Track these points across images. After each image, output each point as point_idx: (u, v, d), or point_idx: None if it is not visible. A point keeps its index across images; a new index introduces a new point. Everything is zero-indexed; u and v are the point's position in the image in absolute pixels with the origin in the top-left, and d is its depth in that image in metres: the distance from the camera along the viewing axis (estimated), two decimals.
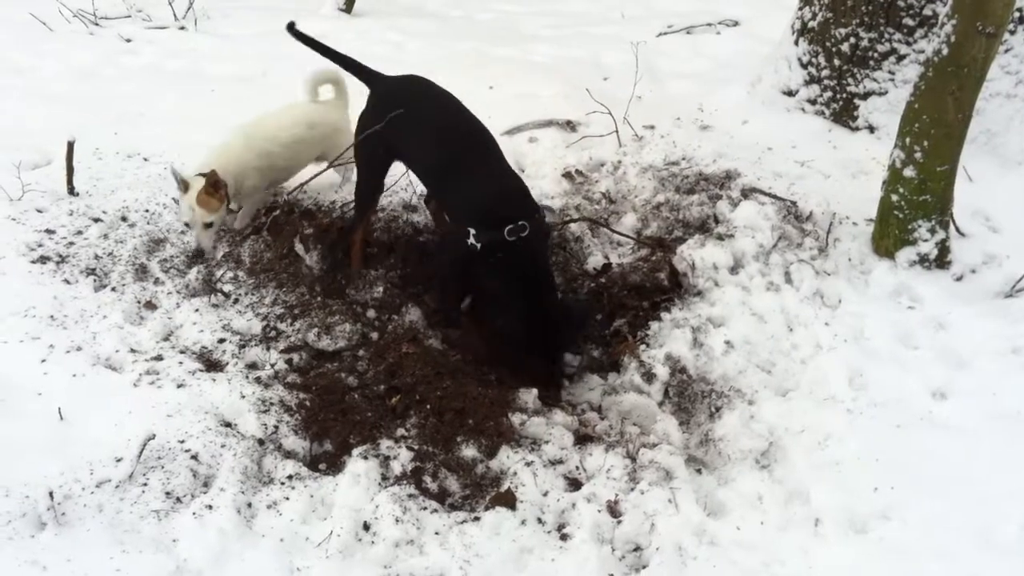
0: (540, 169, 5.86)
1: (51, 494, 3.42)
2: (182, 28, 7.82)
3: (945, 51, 4.53)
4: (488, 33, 7.93)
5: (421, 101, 4.76)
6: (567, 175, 5.83)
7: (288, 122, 5.23)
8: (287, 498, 3.72)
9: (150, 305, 4.61)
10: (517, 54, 7.64)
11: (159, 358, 4.29)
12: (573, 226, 5.38)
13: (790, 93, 6.46)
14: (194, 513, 3.54)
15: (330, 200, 5.40)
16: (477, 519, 3.71)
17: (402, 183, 5.51)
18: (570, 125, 6.39)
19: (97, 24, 7.71)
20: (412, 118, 4.64)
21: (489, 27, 8.29)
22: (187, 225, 4.95)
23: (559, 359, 4.62)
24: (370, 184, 4.94)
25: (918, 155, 4.74)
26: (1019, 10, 5.58)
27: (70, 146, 5.11)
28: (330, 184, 5.45)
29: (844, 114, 6.21)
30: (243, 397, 4.13)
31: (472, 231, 4.37)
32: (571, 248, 5.32)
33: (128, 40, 7.47)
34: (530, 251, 4.43)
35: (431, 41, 7.76)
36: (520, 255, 4.40)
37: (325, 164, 5.32)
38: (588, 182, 5.79)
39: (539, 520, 3.75)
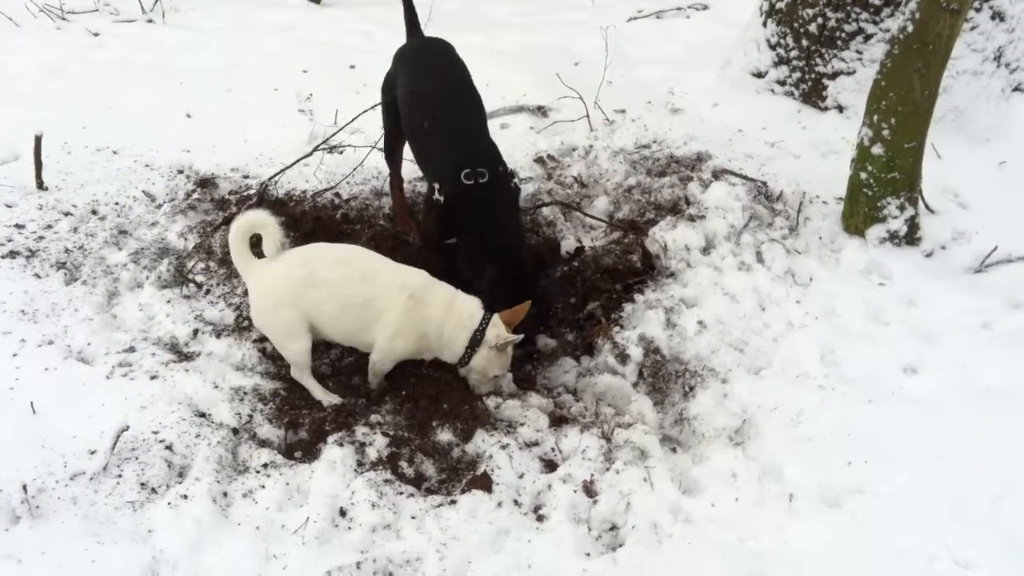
0: (512, 155, 5.87)
1: (25, 487, 3.41)
2: (150, 21, 7.75)
3: (910, 28, 4.56)
4: (457, 21, 7.90)
5: (423, 61, 4.99)
6: (539, 160, 5.84)
7: None
8: (263, 486, 3.71)
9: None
10: (486, 41, 7.62)
11: (132, 350, 4.27)
12: (546, 211, 5.40)
13: (759, 75, 6.49)
14: (169, 503, 3.53)
15: (302, 189, 5.39)
16: (453, 503, 3.71)
17: (372, 172, 5.51)
18: (541, 111, 6.40)
19: (64, 19, 7.64)
20: (407, 74, 4.88)
21: (456, 15, 8.26)
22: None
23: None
24: (387, 129, 5.20)
25: (886, 133, 4.77)
26: None
27: (38, 140, 5.07)
28: (300, 173, 5.43)
29: (813, 94, 6.24)
30: (217, 387, 4.12)
31: (436, 186, 4.52)
32: (544, 232, 5.32)
33: (96, 34, 7.40)
34: (492, 199, 4.50)
35: (400, 30, 7.73)
36: (481, 202, 4.47)
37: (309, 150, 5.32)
38: (560, 167, 5.80)
39: (515, 502, 3.76)
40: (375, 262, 4.26)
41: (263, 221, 4.15)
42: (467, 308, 4.22)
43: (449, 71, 4.90)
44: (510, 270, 4.43)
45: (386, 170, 5.33)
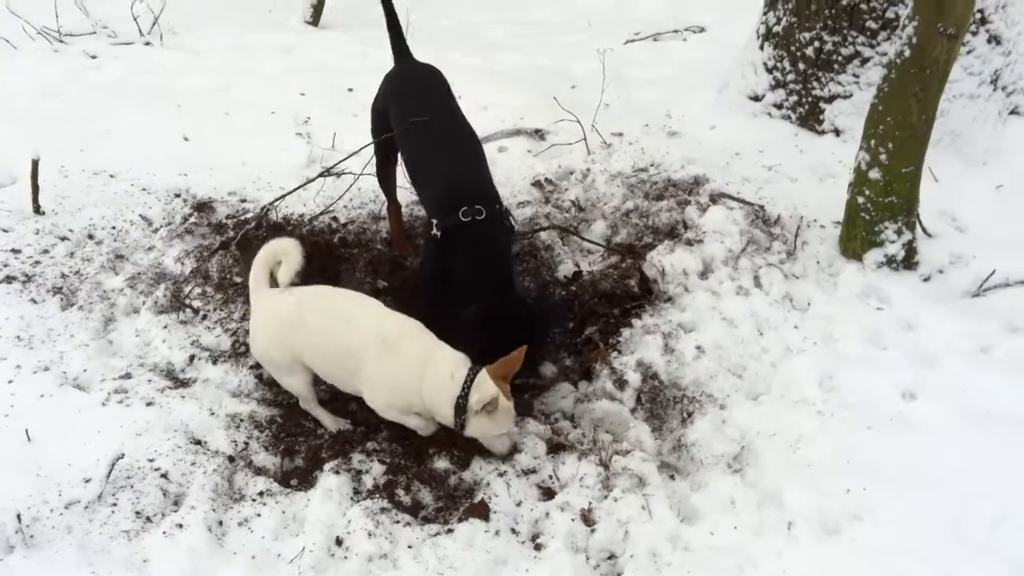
0: (510, 178, 5.88)
1: (19, 516, 3.39)
2: (147, 44, 7.76)
3: (907, 53, 4.56)
4: (453, 42, 7.93)
5: (416, 90, 4.95)
6: (536, 184, 5.84)
7: None
8: (258, 515, 3.70)
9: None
10: (483, 63, 7.64)
11: (128, 376, 4.26)
12: (543, 234, 5.39)
13: (756, 98, 6.49)
14: (164, 532, 3.52)
15: (299, 213, 5.38)
16: (451, 531, 3.69)
17: (370, 195, 5.51)
18: (538, 134, 6.40)
19: (62, 41, 7.64)
20: (400, 104, 4.87)
21: (452, 36, 8.29)
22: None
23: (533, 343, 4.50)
24: (378, 157, 5.20)
25: (883, 157, 4.77)
26: (980, 11, 5.63)
27: (35, 164, 5.06)
28: (299, 197, 5.42)
29: (810, 118, 6.25)
30: (213, 414, 4.11)
31: (435, 221, 4.48)
32: (542, 256, 5.32)
33: (93, 56, 7.40)
34: (487, 238, 4.47)
35: None
36: (477, 239, 4.44)
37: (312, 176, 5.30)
38: (557, 190, 5.80)
39: (513, 530, 3.75)
40: (364, 309, 4.11)
41: (288, 249, 4.15)
42: (447, 366, 3.90)
43: (442, 102, 4.89)
44: (501, 309, 4.35)
45: (383, 195, 5.32)
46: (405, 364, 3.92)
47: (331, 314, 4.07)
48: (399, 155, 4.99)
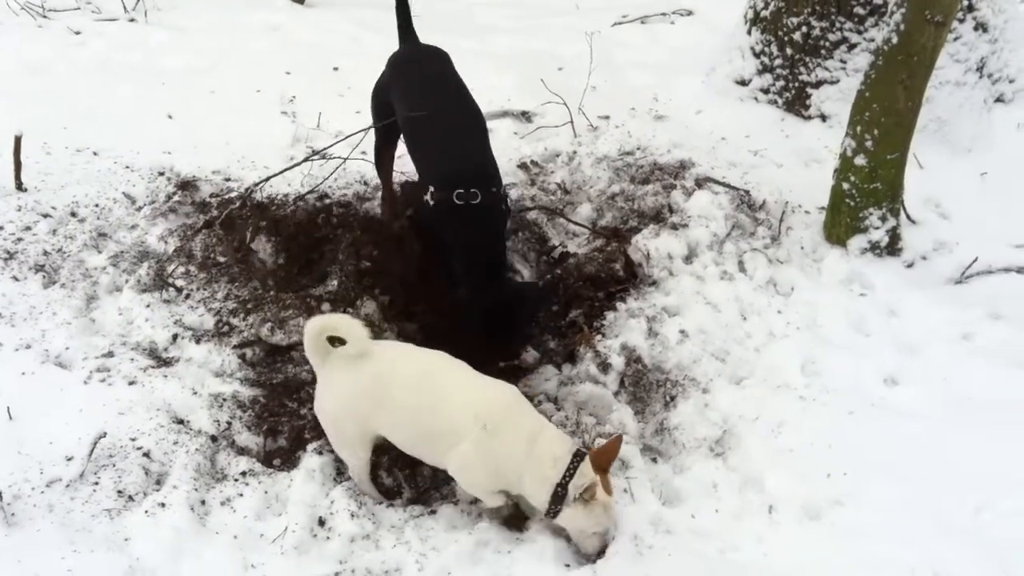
0: (496, 160, 5.84)
1: (0, 494, 3.38)
2: (132, 20, 7.67)
3: (895, 40, 4.56)
4: (447, 23, 7.87)
5: (421, 72, 4.96)
6: (522, 166, 5.83)
7: None
8: (241, 495, 3.70)
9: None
10: (475, 45, 7.59)
11: (110, 355, 4.24)
12: (530, 215, 5.38)
13: (743, 83, 6.49)
14: (147, 511, 3.52)
15: (283, 193, 5.35)
16: (433, 513, 3.71)
17: (355, 176, 5.48)
18: (525, 116, 6.38)
19: (45, 16, 7.56)
20: (405, 86, 4.86)
21: (447, 17, 8.23)
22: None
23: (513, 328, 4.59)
24: (377, 138, 5.17)
25: (869, 143, 4.78)
26: None
27: (17, 141, 5.02)
28: (283, 176, 5.39)
29: (796, 103, 6.25)
30: (195, 394, 4.10)
31: (431, 189, 4.50)
32: (531, 233, 5.35)
33: (77, 32, 7.32)
34: (480, 221, 4.48)
35: (387, 33, 7.68)
36: (470, 222, 4.46)
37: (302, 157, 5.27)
38: (543, 172, 5.79)
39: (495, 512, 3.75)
40: (458, 380, 3.70)
41: (342, 325, 3.63)
42: (551, 450, 3.54)
43: (448, 84, 4.89)
44: (488, 295, 4.40)
45: (371, 176, 5.29)
46: (508, 449, 3.55)
47: (421, 389, 3.64)
48: (400, 139, 4.98)
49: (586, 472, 3.49)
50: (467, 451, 3.54)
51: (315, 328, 3.63)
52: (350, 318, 3.64)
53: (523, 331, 4.65)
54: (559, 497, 3.48)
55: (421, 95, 4.76)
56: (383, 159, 5.22)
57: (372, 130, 5.14)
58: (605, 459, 3.54)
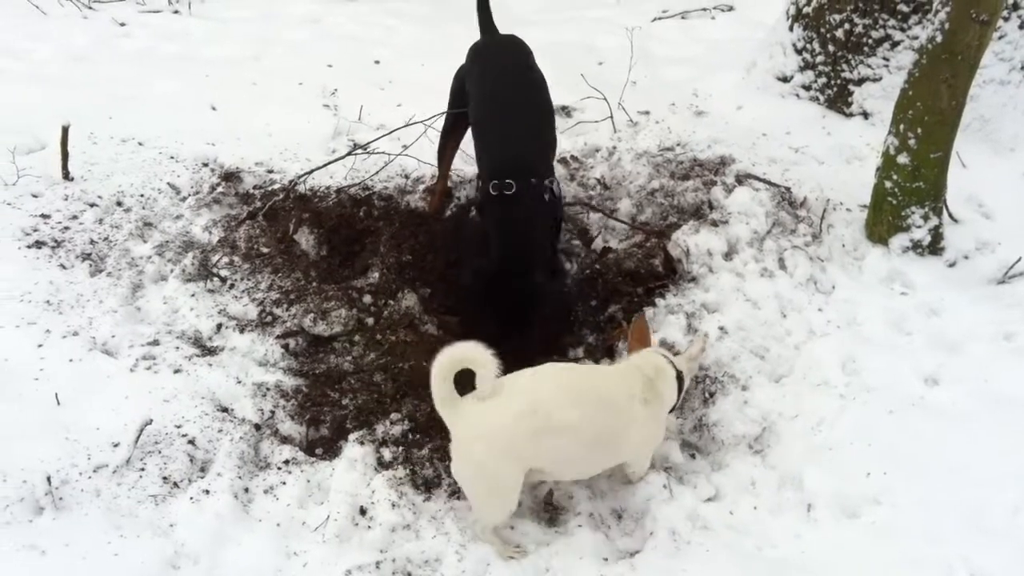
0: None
1: (49, 479, 3.44)
2: (176, 12, 7.77)
3: (939, 38, 4.54)
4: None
5: (491, 60, 5.09)
6: (562, 161, 5.83)
7: None
8: (284, 483, 3.74)
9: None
10: None
11: (155, 343, 4.29)
12: (572, 210, 5.41)
13: (785, 79, 6.47)
14: (191, 498, 3.57)
15: (325, 185, 5.40)
16: None
17: (396, 169, 5.51)
18: (565, 111, 6.39)
19: (91, 7, 7.66)
20: (478, 67, 5.01)
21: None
22: None
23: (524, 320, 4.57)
24: (446, 123, 5.30)
25: (912, 142, 4.75)
26: None
27: (64, 131, 5.08)
28: (326, 168, 5.44)
29: (838, 100, 6.22)
30: (239, 382, 4.15)
31: (479, 181, 4.68)
32: (572, 226, 5.39)
33: (122, 24, 7.41)
34: (511, 212, 4.55)
35: (425, 24, 7.74)
36: (503, 214, 4.55)
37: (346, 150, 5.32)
38: (583, 168, 5.79)
39: (532, 507, 3.77)
40: (594, 375, 3.92)
41: (474, 357, 3.37)
42: (655, 363, 3.88)
43: (513, 74, 4.98)
44: (498, 276, 4.49)
45: (412, 169, 5.31)
46: (665, 394, 3.84)
47: (579, 403, 3.56)
48: (466, 131, 5.09)
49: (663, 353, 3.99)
50: (644, 425, 3.74)
51: (445, 364, 3.36)
52: (477, 345, 3.36)
53: (532, 326, 4.60)
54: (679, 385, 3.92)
55: (484, 85, 4.89)
56: (447, 145, 5.29)
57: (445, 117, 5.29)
58: (645, 335, 4.11)
